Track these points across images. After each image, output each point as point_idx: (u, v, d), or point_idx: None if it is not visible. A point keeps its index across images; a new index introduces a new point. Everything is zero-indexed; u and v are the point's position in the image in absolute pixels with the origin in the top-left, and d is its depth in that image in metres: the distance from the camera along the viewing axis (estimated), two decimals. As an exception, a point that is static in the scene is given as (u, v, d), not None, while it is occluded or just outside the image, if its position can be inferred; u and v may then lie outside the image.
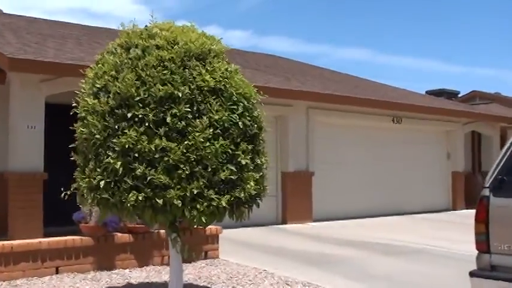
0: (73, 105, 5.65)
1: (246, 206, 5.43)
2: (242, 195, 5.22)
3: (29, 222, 9.36)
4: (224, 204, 5.07)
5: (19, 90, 9.63)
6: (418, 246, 10.31)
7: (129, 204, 5.02)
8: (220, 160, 5.13)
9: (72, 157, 5.59)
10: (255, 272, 7.79)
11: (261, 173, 5.56)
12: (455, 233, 12.24)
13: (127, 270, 7.76)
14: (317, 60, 62.53)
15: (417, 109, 16.02)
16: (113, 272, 7.63)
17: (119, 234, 7.86)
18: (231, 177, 5.14)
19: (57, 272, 7.33)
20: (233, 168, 5.17)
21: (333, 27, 54.38)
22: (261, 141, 5.64)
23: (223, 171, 5.12)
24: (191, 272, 7.79)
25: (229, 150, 5.18)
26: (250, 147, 5.38)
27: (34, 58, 9.41)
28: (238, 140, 5.29)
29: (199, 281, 7.30)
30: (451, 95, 25.05)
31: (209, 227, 8.63)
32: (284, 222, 13.13)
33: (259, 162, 5.49)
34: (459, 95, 26.28)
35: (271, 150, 13.56)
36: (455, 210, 17.13)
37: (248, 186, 5.26)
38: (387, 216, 14.76)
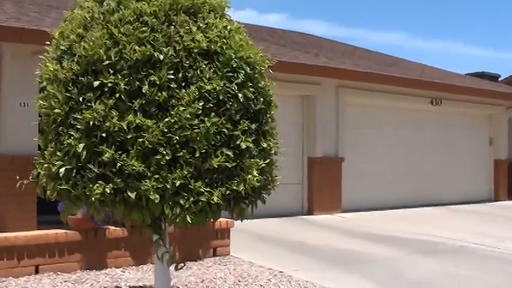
0: (36, 72, 4.55)
1: (247, 201, 4.25)
2: (242, 187, 4.05)
3: (21, 211, 8.35)
4: (216, 200, 3.91)
5: (10, 63, 8.60)
6: (458, 243, 9.02)
7: (94, 198, 3.90)
8: (213, 143, 3.96)
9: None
10: (268, 275, 6.65)
11: (269, 160, 4.37)
12: (499, 228, 10.90)
13: (119, 270, 6.68)
14: (351, 43, 60.64)
15: (459, 90, 14.57)
16: (103, 272, 6.56)
17: (112, 228, 6.79)
18: (227, 164, 3.98)
19: (36, 272, 6.29)
20: (229, 153, 4.00)
21: (367, 11, 52.63)
22: (269, 120, 4.45)
23: (216, 157, 3.96)
24: (195, 272, 6.69)
25: (225, 130, 4.01)
26: (253, 126, 4.20)
27: (24, 26, 8.35)
28: (238, 117, 4.11)
29: (201, 285, 6.19)
30: (492, 78, 23.40)
31: (219, 220, 7.53)
32: (310, 212, 11.93)
33: (265, 146, 4.31)
34: (500, 79, 24.60)
35: (296, 133, 12.57)
36: (497, 201, 15.66)
37: (250, 176, 4.09)
38: (422, 207, 13.43)
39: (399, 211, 12.77)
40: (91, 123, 3.89)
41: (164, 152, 3.85)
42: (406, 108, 13.70)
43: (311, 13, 54.44)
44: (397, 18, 52.98)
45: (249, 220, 10.31)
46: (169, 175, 3.85)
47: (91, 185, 3.91)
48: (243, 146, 4.04)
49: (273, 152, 4.43)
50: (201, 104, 3.94)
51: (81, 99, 4.00)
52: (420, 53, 52.49)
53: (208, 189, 3.92)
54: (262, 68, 4.43)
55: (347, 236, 9.44)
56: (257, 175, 4.12)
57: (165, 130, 3.87)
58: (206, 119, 3.94)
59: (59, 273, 6.35)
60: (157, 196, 3.83)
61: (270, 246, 8.38)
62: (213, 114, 3.98)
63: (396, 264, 7.51)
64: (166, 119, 3.88)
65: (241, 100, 4.10)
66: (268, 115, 4.43)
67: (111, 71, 3.97)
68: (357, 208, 12.37)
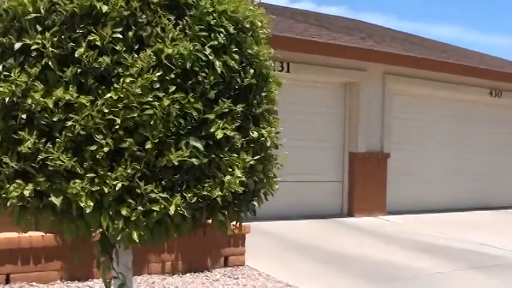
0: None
1: (228, 212, 3.09)
2: (217, 193, 2.89)
3: None
4: (174, 210, 2.75)
5: None
6: (522, 257, 7.65)
7: (9, 203, 2.82)
8: (174, 129, 2.81)
9: None
10: (285, 294, 5.50)
11: (261, 156, 3.19)
12: None
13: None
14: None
15: (524, 80, 12.97)
16: (88, 283, 5.52)
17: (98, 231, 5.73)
18: (193, 161, 2.81)
19: (7, 282, 5.29)
20: (198, 145, 2.84)
21: (425, 4, 50.44)
22: (263, 101, 3.26)
23: (179, 149, 2.81)
24: (196, 287, 5.59)
25: (193, 112, 2.85)
26: (238, 108, 3.02)
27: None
28: (213, 94, 2.94)
29: (197, 306, 5.08)
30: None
31: (232, 223, 6.40)
32: (350, 214, 10.66)
33: (255, 135, 3.11)
34: None
35: (337, 126, 11.10)
36: None
37: (229, 177, 2.91)
38: (477, 211, 11.96)
39: (451, 215, 11.34)
40: (7, 99, 2.80)
41: (103, 142, 2.72)
42: (461, 100, 12.21)
43: (369, 6, 52.78)
44: (454, 11, 50.69)
45: (275, 221, 9.27)
46: (109, 174, 2.72)
47: (8, 185, 2.83)
48: (220, 135, 2.87)
49: (268, 144, 3.23)
50: (158, 73, 2.79)
51: (0, 67, 2.92)
52: (478, 47, 50.06)
53: (164, 194, 2.77)
54: (256, 29, 3.23)
55: (390, 244, 8.15)
56: (241, 176, 2.94)
57: (106, 111, 2.73)
58: (164, 95, 2.78)
59: (33, 283, 5.34)
60: (91, 204, 2.70)
61: (295, 255, 7.18)
62: (176, 88, 2.82)
63: (446, 282, 6.22)
64: (108, 95, 2.74)
65: (220, 71, 2.92)
66: (262, 93, 3.24)
67: (39, 29, 2.87)
68: (403, 210, 11.04)
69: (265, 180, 3.27)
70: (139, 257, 5.84)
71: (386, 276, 6.38)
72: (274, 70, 3.63)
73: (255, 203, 3.22)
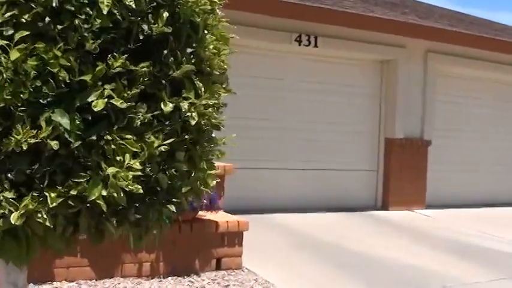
0: None
1: (115, 221, 2.12)
2: (97, 193, 1.94)
3: None
4: (14, 220, 1.83)
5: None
6: None
7: None
8: (28, 97, 1.87)
9: None
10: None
11: (181, 139, 2.21)
12: None
13: (74, 284, 4.79)
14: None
15: None
16: (45, 287, 4.69)
17: (62, 226, 4.89)
18: (53, 144, 1.87)
19: None
20: (63, 121, 1.90)
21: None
22: (188, 59, 2.27)
23: (36, 127, 1.87)
24: (174, 297, 4.68)
25: (61, 73, 1.90)
26: (143, 68, 2.06)
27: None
28: (92, 44, 1.98)
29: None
30: None
31: (225, 219, 5.46)
32: (385, 207, 9.55)
33: (167, 108, 2.13)
34: None
35: (372, 108, 9.61)
36: None
37: (113, 170, 1.96)
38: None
39: (500, 210, 10.10)
40: None
41: None
42: (513, 83, 10.89)
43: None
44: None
45: (296, 214, 8.27)
46: None
47: None
48: (99, 106, 1.91)
49: (195, 121, 2.25)
50: (9, 14, 1.86)
51: None
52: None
53: (11, 194, 1.84)
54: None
55: (423, 244, 7.03)
56: (138, 167, 1.98)
57: None
58: (15, 43, 1.84)
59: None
60: None
61: (309, 256, 6.18)
62: (35, 36, 1.87)
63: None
64: None
65: (107, 11, 1.96)
66: (190, 50, 2.25)
67: None
68: (444, 203, 9.86)
69: (193, 174, 2.29)
70: (112, 256, 4.99)
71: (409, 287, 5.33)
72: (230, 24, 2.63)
73: (172, 208, 2.24)
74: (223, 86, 2.63)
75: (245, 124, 8.45)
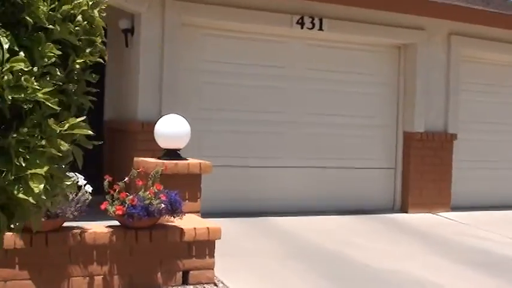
0: None
1: None
2: None
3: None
4: None
5: None
6: None
7: None
8: None
9: None
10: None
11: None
12: None
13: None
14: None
15: None
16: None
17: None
18: None
19: None
20: None
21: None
22: None
23: None
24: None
25: None
26: None
27: None
28: None
29: None
30: None
31: (194, 226, 4.54)
32: (404, 209, 8.52)
33: None
34: None
35: (389, 99, 8.54)
36: None
37: None
38: None
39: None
40: None
41: None
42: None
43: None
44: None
45: (301, 217, 7.30)
46: None
47: None
48: None
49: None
50: None
51: None
52: None
53: None
54: None
55: (449, 256, 5.97)
56: None
57: None
58: None
59: None
60: None
61: (302, 268, 5.21)
62: None
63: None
64: None
65: None
66: None
67: None
68: (473, 205, 8.84)
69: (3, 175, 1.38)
70: (57, 268, 4.14)
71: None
72: None
73: None
74: (90, 50, 1.73)
75: (239, 118, 7.57)
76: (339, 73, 8.18)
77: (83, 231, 4.24)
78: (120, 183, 4.29)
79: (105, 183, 4.28)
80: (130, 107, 7.25)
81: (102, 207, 4.24)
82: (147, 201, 4.20)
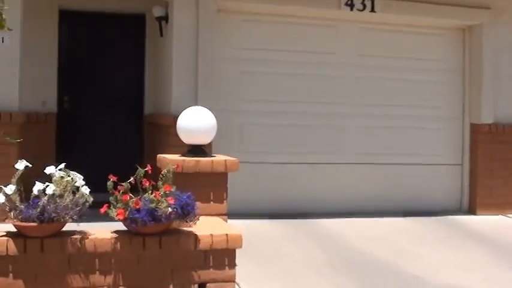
0: None
1: None
2: None
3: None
4: None
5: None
6: None
7: None
8: None
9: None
10: None
11: None
12: None
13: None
14: None
15: None
16: None
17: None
18: None
19: None
20: None
21: None
22: None
23: None
24: None
25: None
26: None
27: None
28: None
29: None
30: None
31: (211, 232, 3.93)
32: (472, 211, 7.64)
33: None
34: None
35: (453, 87, 7.65)
36: None
37: None
38: None
39: None
40: None
41: None
42: None
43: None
44: None
45: (354, 219, 6.54)
46: None
47: None
48: None
49: None
50: None
51: None
52: None
53: None
54: None
55: (505, 265, 5.18)
56: None
57: None
58: None
59: None
60: None
61: (344, 281, 4.52)
62: None
63: None
64: None
65: None
66: None
67: None
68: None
69: None
70: (55, 277, 3.65)
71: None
72: None
73: None
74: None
75: (283, 110, 6.94)
76: (394, 59, 7.40)
77: (84, 237, 3.71)
78: (124, 184, 3.75)
79: (109, 183, 3.74)
80: (165, 100, 6.76)
81: (102, 210, 3.71)
82: (152, 205, 3.64)
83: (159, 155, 4.89)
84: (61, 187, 3.64)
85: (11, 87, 5.96)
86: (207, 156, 4.67)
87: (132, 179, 3.80)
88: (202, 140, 4.72)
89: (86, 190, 3.66)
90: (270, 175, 6.83)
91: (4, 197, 3.54)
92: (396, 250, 5.47)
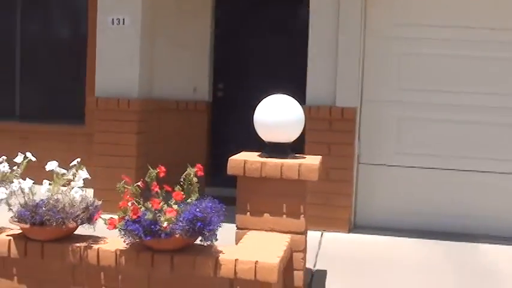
0: None
1: None
2: None
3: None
4: None
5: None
6: None
7: None
8: None
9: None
10: None
11: None
12: None
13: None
14: None
15: None
16: None
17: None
18: None
19: None
20: None
21: None
22: None
23: None
24: None
25: None
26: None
27: None
28: None
29: None
30: None
31: (238, 257, 3.07)
32: None
33: None
34: None
35: None
36: None
37: None
38: None
39: None
40: None
41: None
42: None
43: None
44: None
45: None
46: None
47: None
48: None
49: None
50: None
51: None
52: None
53: None
54: None
55: None
56: None
57: None
58: None
59: None
60: None
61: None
62: None
63: None
64: None
65: None
66: None
67: None
68: None
69: None
70: (58, 286, 3.31)
71: None
72: None
73: None
74: None
75: (454, 101, 5.61)
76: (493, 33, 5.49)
77: (88, 246, 3.20)
78: (131, 187, 3.12)
79: (119, 185, 3.14)
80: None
81: (95, 218, 3.14)
82: (148, 216, 2.95)
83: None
84: (56, 188, 3.18)
85: (130, 75, 5.75)
86: (287, 158, 3.79)
87: (140, 182, 3.17)
88: (283, 137, 3.87)
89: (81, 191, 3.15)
90: (426, 183, 5.55)
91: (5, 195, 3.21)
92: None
